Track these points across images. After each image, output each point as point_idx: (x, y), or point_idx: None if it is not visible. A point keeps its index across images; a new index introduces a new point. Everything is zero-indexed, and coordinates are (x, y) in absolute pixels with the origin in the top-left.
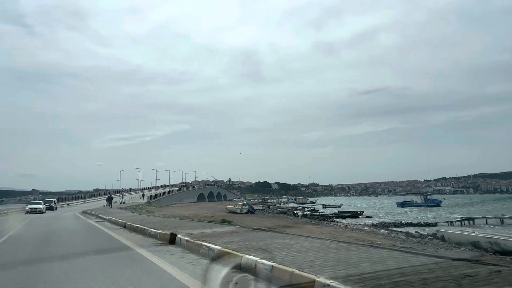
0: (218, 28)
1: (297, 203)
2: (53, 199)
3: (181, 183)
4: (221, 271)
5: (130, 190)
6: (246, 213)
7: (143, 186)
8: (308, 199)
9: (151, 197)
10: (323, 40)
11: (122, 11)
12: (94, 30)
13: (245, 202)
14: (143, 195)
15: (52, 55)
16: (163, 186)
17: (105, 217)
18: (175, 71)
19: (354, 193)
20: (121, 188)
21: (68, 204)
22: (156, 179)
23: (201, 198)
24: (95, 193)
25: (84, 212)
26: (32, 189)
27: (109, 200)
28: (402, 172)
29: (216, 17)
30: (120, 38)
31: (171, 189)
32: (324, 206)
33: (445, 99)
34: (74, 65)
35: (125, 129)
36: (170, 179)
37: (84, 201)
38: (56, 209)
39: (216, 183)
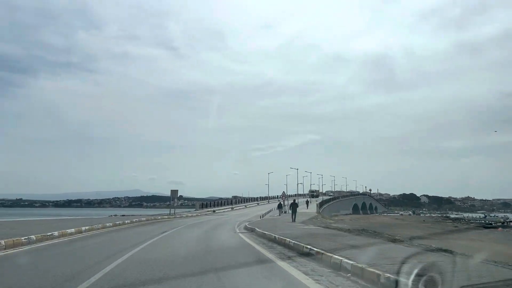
0: (347, 36)
1: None
2: None
3: (310, 191)
4: None
5: (268, 198)
6: None
7: (272, 194)
8: None
9: (319, 205)
10: (465, 39)
11: (256, 28)
12: (231, 48)
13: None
14: (307, 202)
15: (195, 74)
16: (296, 195)
17: None
18: (305, 82)
19: None
20: (282, 193)
21: (214, 211)
22: (321, 185)
23: (355, 209)
24: (235, 200)
25: (256, 233)
26: (171, 190)
27: (292, 207)
28: None
29: (345, 24)
30: (254, 54)
31: (330, 196)
32: None
33: None
34: (213, 82)
35: (259, 140)
36: (328, 186)
37: (232, 208)
38: None
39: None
